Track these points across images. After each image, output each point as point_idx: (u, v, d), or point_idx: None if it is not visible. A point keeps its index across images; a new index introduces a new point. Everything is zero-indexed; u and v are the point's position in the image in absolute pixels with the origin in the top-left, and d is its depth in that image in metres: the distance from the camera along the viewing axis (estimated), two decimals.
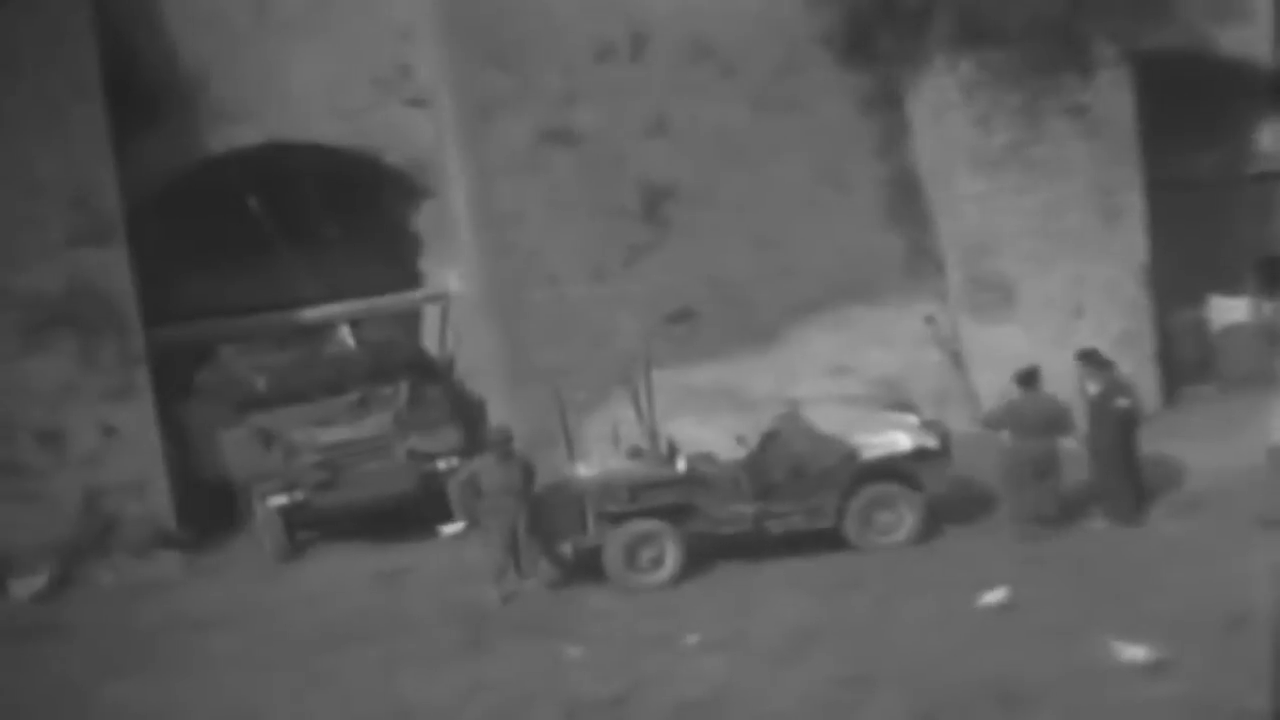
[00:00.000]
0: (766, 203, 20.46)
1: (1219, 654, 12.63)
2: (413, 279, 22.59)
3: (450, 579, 16.95)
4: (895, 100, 20.81)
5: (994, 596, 14.79)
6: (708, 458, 17.07)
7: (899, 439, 16.94)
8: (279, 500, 18.55)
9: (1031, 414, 16.71)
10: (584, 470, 16.96)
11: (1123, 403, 16.85)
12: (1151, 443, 17.31)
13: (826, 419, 17.42)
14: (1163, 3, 20.38)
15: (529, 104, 20.10)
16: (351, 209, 21.32)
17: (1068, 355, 17.78)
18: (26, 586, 17.90)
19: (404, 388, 19.81)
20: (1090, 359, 17.28)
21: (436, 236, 21.92)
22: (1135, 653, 13.08)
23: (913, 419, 17.54)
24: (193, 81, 20.00)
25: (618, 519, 16.34)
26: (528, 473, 16.57)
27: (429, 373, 20.89)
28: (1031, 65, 20.05)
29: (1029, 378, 16.87)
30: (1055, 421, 16.66)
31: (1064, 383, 17.20)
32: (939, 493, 16.91)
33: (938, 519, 16.94)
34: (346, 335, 20.86)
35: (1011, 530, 16.74)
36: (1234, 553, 14.79)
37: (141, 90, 19.42)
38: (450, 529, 17.55)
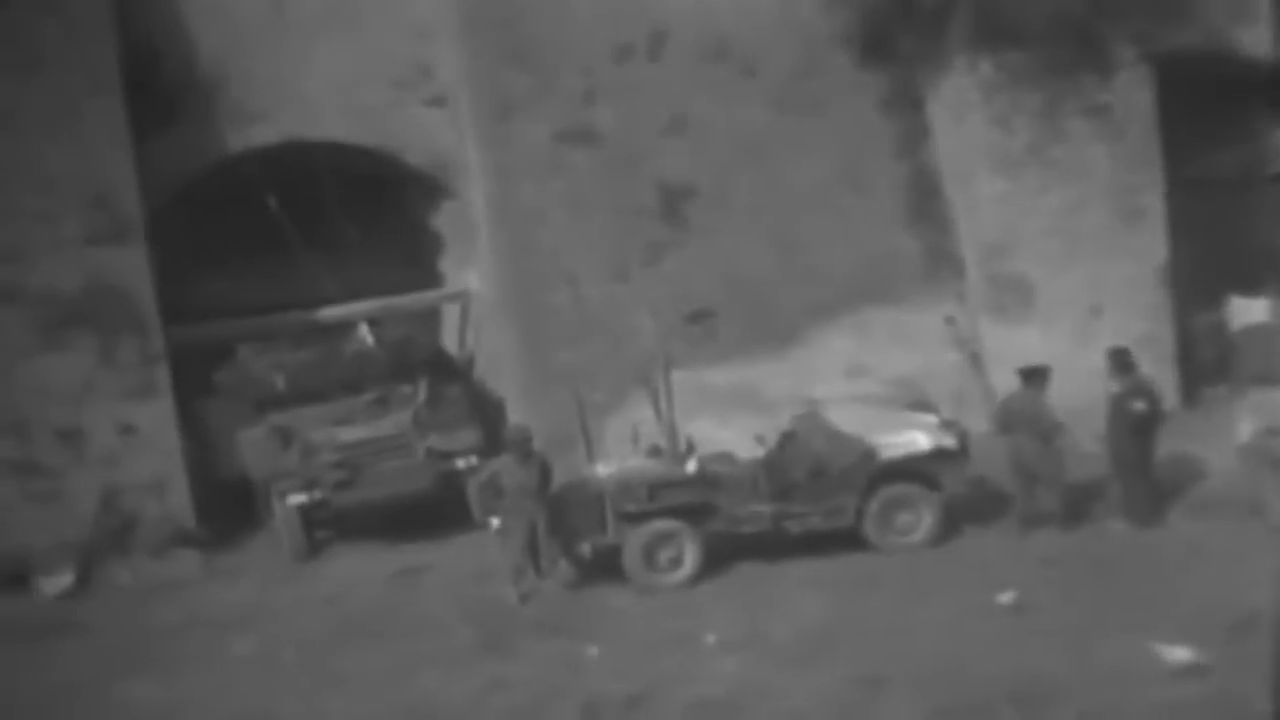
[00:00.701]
0: (785, 203, 20.45)
1: (1237, 654, 12.55)
2: (432, 278, 22.63)
3: (469, 578, 16.95)
4: (915, 101, 20.79)
5: (1005, 597, 14.79)
6: (727, 457, 17.07)
7: (918, 439, 16.92)
8: (298, 499, 18.59)
9: (1016, 412, 16.75)
10: (603, 470, 16.96)
11: (1139, 406, 16.80)
12: (1170, 443, 17.28)
13: (845, 419, 17.41)
14: (1182, 3, 20.32)
15: (548, 104, 20.12)
16: (371, 208, 21.36)
17: (1087, 356, 17.76)
18: (54, 585, 17.95)
19: (423, 387, 19.83)
20: (1117, 358, 17.20)
21: (456, 236, 21.95)
22: (1179, 654, 13.04)
23: (931, 419, 17.50)
24: (212, 80, 20.06)
25: (637, 519, 16.32)
26: (545, 472, 16.58)
27: (448, 372, 20.93)
28: (1051, 66, 19.99)
29: (1030, 375, 16.89)
30: (1033, 421, 16.64)
31: (1084, 383, 17.16)
32: (957, 493, 16.92)
33: (956, 519, 16.93)
34: (366, 334, 20.82)
35: (1013, 528, 16.79)
36: (1251, 553, 14.69)
37: (161, 89, 19.47)
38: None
